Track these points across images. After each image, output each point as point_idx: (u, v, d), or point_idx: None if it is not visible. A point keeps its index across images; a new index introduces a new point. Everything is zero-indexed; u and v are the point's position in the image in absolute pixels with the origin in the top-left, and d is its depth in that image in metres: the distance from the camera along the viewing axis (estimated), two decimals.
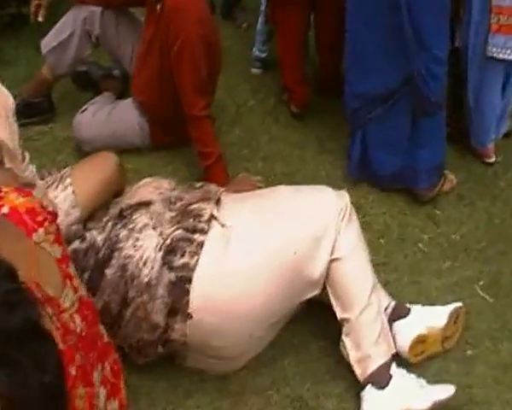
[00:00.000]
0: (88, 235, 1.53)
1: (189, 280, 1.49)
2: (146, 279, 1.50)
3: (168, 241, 1.52)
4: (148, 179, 1.74)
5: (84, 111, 2.36)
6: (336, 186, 2.23)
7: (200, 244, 1.52)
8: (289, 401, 1.65)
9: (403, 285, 1.97)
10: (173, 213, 1.58)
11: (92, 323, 1.30)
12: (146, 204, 1.59)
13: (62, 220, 1.46)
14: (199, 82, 2.10)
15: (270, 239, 1.55)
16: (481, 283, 1.99)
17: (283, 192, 1.70)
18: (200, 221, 1.56)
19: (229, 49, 2.99)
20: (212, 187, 1.72)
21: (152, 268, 1.50)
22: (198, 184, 1.76)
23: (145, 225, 1.54)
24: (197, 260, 1.50)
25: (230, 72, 2.85)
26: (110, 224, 1.55)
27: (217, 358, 1.62)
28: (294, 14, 2.30)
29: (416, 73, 1.87)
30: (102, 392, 1.31)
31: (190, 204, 1.61)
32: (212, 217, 1.58)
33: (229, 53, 2.96)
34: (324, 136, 2.49)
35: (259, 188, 2.23)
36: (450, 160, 2.36)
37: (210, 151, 2.17)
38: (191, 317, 1.50)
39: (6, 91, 1.89)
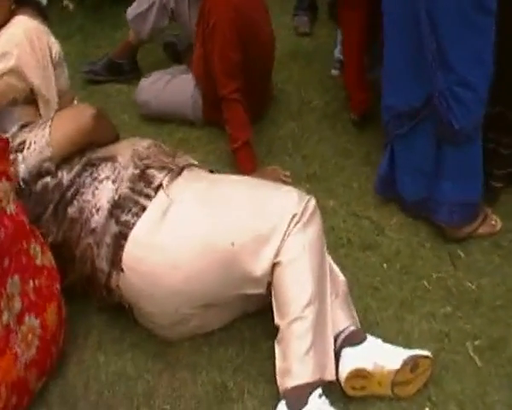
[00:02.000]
0: (59, 173, 1.69)
1: (125, 237, 1.58)
2: (93, 225, 1.63)
3: (116, 197, 1.63)
4: (135, 138, 1.84)
5: (148, 77, 2.54)
6: (363, 201, 2.17)
7: (142, 208, 1.60)
8: (214, 387, 1.64)
9: (385, 317, 1.81)
10: (136, 172, 1.66)
11: (13, 236, 1.47)
12: (113, 158, 1.70)
13: (36, 155, 1.67)
14: (229, 64, 2.14)
15: (207, 222, 1.55)
16: (477, 342, 1.74)
17: (242, 183, 1.68)
18: (148, 187, 1.62)
19: (319, 47, 2.98)
20: (182, 159, 1.76)
21: (100, 217, 1.63)
22: (171, 151, 1.80)
23: (106, 177, 1.66)
24: (135, 221, 1.58)
25: (310, 69, 2.84)
26: (78, 167, 1.69)
27: (150, 321, 1.68)
28: (359, 14, 2.21)
29: (438, 94, 1.69)
30: (17, 300, 1.49)
31: (148, 168, 1.67)
32: (160, 186, 1.63)
33: (318, 51, 2.95)
34: (374, 147, 2.35)
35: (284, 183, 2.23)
36: (504, 202, 2.10)
37: (237, 135, 2.20)
38: (123, 271, 1.59)
39: (53, 42, 2.13)
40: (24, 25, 2.01)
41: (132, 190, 1.62)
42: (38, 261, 1.57)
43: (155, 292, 1.57)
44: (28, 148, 1.69)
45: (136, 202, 1.60)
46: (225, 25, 2.10)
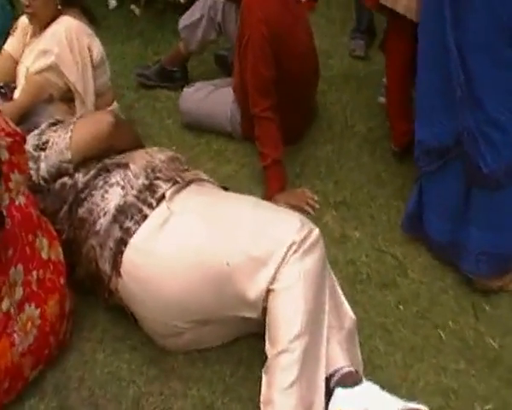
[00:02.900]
0: (76, 175, 1.76)
1: (125, 244, 1.61)
2: (98, 227, 1.67)
3: (122, 203, 1.66)
4: (155, 149, 1.87)
5: (191, 86, 2.57)
6: (390, 236, 2.08)
7: (144, 216, 1.62)
8: (202, 403, 1.62)
9: (391, 362, 1.72)
10: (146, 182, 1.68)
11: (20, 227, 1.53)
12: (126, 166, 1.74)
13: (57, 156, 1.75)
14: (260, 81, 2.12)
15: (204, 236, 1.53)
16: (487, 406, 1.61)
17: (247, 203, 1.64)
18: (152, 197, 1.64)
19: (372, 73, 2.90)
20: (192, 173, 1.77)
21: (105, 220, 1.66)
22: (185, 167, 1.81)
23: (117, 183, 1.70)
24: (136, 229, 1.60)
25: (360, 93, 2.78)
26: (93, 171, 1.75)
27: (146, 328, 1.68)
28: (404, 45, 2.12)
29: (466, 133, 1.59)
30: (19, 289, 1.55)
31: (157, 179, 1.70)
32: (163, 196, 1.64)
33: (370, 76, 2.88)
34: (409, 181, 2.25)
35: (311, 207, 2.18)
36: None
37: (267, 153, 2.18)
38: (121, 276, 1.61)
39: (95, 44, 2.19)
40: (66, 24, 2.10)
41: (138, 198, 1.65)
42: (44, 254, 1.62)
43: (149, 299, 1.58)
44: (50, 147, 1.76)
45: (140, 211, 1.63)
46: (256, 40, 2.09)
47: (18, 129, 1.59)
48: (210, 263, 1.51)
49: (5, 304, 1.52)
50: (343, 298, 1.64)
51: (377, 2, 2.08)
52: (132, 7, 3.40)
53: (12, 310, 1.54)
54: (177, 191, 1.67)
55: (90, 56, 2.15)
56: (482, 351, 1.74)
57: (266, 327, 1.50)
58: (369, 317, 1.82)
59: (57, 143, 1.75)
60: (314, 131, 2.55)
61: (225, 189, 1.84)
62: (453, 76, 1.57)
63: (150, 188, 1.67)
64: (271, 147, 2.18)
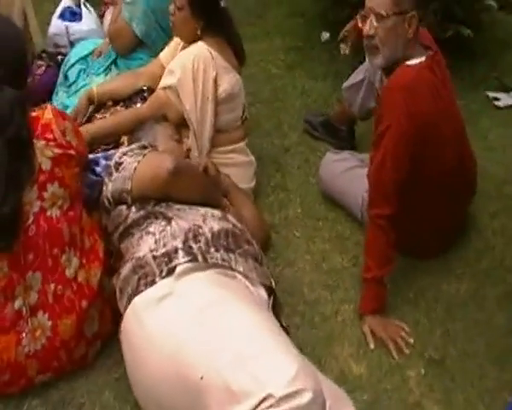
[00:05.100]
0: (132, 208, 1.75)
1: (130, 299, 1.58)
2: (122, 271, 1.67)
3: (143, 257, 1.62)
4: (219, 214, 1.76)
5: (335, 153, 2.35)
6: None
7: (152, 282, 1.56)
8: None
9: None
10: (179, 246, 1.60)
11: (45, 237, 1.60)
12: (169, 220, 1.68)
13: (120, 183, 1.76)
14: (383, 182, 1.82)
15: (190, 336, 1.41)
16: None
17: (251, 322, 1.42)
18: (166, 264, 1.57)
19: None
20: (221, 256, 1.62)
21: (128, 267, 1.65)
22: (240, 244, 1.70)
23: (152, 234, 1.67)
24: (142, 291, 1.56)
25: None
26: (144, 212, 1.73)
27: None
28: None
29: None
30: (35, 294, 1.61)
31: (187, 247, 1.61)
32: (174, 269, 1.56)
33: None
34: None
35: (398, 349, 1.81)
36: None
37: (370, 265, 1.87)
38: (121, 328, 1.61)
39: (225, 79, 2.09)
40: (197, 52, 2.06)
41: (155, 259, 1.60)
42: (69, 273, 1.65)
43: (134, 369, 1.55)
44: (120, 171, 1.76)
45: (153, 274, 1.57)
46: (393, 135, 1.78)
47: (80, 144, 1.63)
48: (186, 365, 1.39)
49: (18, 303, 1.60)
50: None
51: None
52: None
53: (24, 310, 1.61)
54: (191, 271, 1.56)
55: (216, 91, 2.07)
56: None
57: None
58: None
59: (125, 169, 1.75)
60: (452, 254, 2.10)
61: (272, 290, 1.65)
62: None
63: (171, 254, 1.59)
64: (376, 261, 1.86)
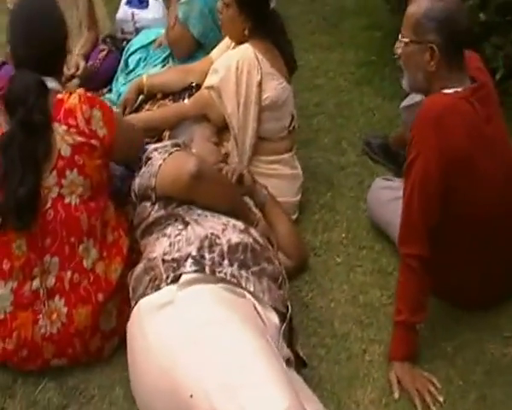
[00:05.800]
0: (155, 206, 1.71)
1: (138, 300, 1.54)
2: (136, 269, 1.63)
3: (154, 259, 1.57)
4: (238, 225, 1.68)
5: (385, 179, 2.21)
6: None
7: (157, 286, 1.52)
8: None
9: None
10: (193, 253, 1.54)
11: (62, 224, 1.58)
12: (187, 225, 1.63)
13: (146, 179, 1.72)
14: (410, 220, 1.66)
15: (185, 352, 1.35)
16: None
17: (248, 345, 1.34)
18: (173, 270, 1.52)
19: None
20: (232, 271, 1.53)
21: (142, 266, 1.61)
22: (258, 261, 1.60)
23: (168, 236, 1.63)
24: (146, 294, 1.52)
25: None
26: (165, 212, 1.68)
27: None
28: None
29: None
30: (52, 279, 1.63)
31: (200, 256, 1.54)
32: (179, 277, 1.50)
33: None
34: None
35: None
36: None
37: (400, 309, 1.72)
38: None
39: (270, 86, 2.02)
40: (242, 54, 2.00)
41: (164, 262, 1.54)
42: (87, 263, 1.63)
43: (132, 374, 1.52)
44: (148, 166, 1.72)
45: (160, 279, 1.51)
46: (420, 172, 1.62)
47: (109, 135, 1.60)
48: (178, 382, 1.33)
49: (35, 283, 1.61)
50: None
51: None
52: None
53: (41, 292, 1.60)
54: (196, 281, 1.49)
55: (260, 96, 1.98)
56: None
57: None
58: None
59: (152, 165, 1.71)
60: (501, 311, 1.88)
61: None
62: None
63: (180, 261, 1.52)
64: (407, 305, 1.70)
